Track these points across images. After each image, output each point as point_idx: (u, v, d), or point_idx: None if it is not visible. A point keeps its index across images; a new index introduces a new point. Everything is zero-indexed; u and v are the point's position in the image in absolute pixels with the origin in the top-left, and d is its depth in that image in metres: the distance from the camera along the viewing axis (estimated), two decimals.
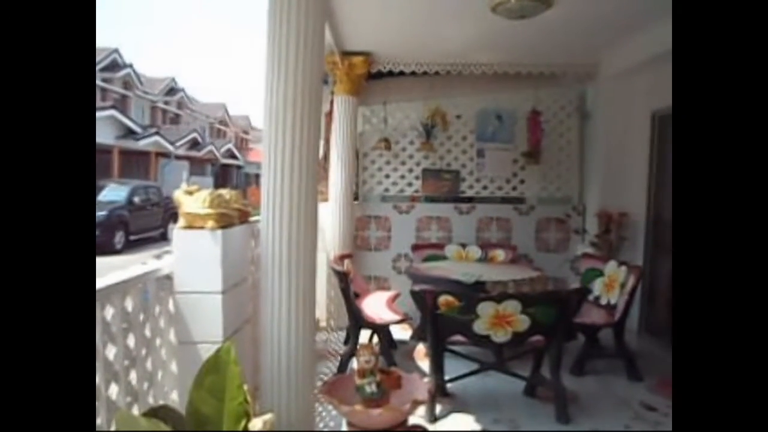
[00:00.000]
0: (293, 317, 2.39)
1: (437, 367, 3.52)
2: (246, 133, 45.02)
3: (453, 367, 3.71)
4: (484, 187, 6.13)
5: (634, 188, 5.40)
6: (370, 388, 2.49)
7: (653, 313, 5.19)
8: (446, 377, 3.63)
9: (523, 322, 3.22)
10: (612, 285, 4.34)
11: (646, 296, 5.19)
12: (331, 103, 5.61)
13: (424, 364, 4.04)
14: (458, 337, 3.47)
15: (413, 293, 3.41)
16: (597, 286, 4.55)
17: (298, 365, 2.42)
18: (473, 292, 3.56)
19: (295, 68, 2.35)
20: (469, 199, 6.18)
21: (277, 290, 2.35)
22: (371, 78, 5.68)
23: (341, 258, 4.67)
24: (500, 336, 3.27)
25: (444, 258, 5.44)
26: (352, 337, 4.24)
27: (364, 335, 4.48)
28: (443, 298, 3.22)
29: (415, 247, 5.58)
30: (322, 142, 5.88)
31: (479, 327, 3.24)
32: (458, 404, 3.60)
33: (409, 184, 6.07)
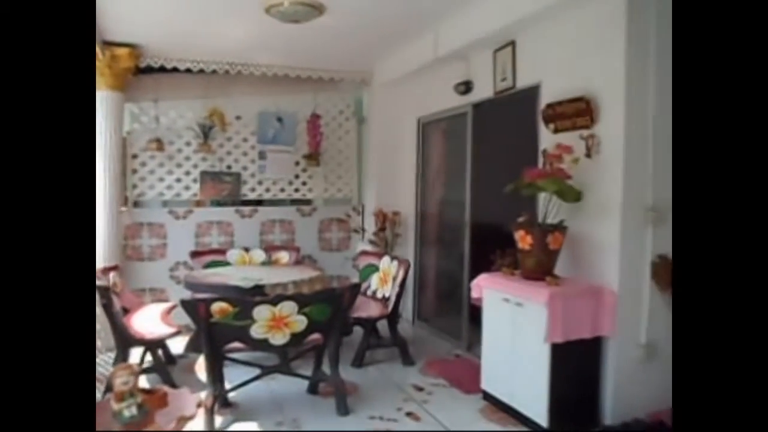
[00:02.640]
0: None
1: (215, 377, 3.37)
2: None
3: (236, 375, 3.59)
4: (267, 190, 6.07)
5: (404, 188, 5.89)
6: (130, 412, 2.25)
7: (423, 302, 5.73)
8: (228, 386, 3.50)
9: (300, 323, 3.26)
10: (386, 279, 4.66)
11: (417, 287, 5.70)
12: None
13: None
14: (237, 344, 3.38)
15: (183, 303, 3.21)
16: (374, 281, 4.84)
17: None
18: (249, 297, 3.48)
19: None
20: (258, 202, 6.06)
21: None
22: (139, 72, 5.20)
23: (105, 271, 4.17)
24: (278, 338, 3.26)
25: (227, 263, 5.25)
26: (120, 358, 3.83)
27: (137, 354, 4.09)
28: (217, 306, 3.09)
29: (195, 254, 5.27)
30: None
31: (257, 331, 3.19)
32: (241, 413, 3.50)
33: (187, 188, 5.70)
